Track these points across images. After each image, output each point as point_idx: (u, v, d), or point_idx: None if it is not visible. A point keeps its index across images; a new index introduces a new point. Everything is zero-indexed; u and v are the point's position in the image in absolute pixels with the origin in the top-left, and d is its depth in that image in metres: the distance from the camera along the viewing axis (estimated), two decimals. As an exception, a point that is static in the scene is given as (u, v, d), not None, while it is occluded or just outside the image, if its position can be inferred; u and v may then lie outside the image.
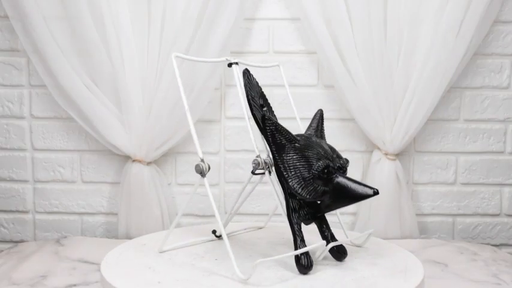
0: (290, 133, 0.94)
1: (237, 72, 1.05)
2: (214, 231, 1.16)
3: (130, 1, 1.45)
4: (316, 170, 0.92)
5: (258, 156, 0.98)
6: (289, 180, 0.92)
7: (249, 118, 1.01)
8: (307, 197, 0.93)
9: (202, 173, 0.96)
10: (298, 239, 0.94)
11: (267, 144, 0.97)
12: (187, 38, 1.44)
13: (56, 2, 1.47)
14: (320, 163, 0.92)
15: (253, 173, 0.98)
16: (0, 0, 1.51)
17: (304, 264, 0.92)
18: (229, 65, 1.06)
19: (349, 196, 0.91)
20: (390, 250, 1.10)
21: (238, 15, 1.47)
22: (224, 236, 0.91)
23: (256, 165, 0.97)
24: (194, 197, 1.58)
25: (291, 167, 0.92)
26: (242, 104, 1.01)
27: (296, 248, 0.94)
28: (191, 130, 0.98)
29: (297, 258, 0.93)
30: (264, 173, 0.98)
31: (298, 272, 0.93)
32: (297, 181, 0.92)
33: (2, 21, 1.55)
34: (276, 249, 1.09)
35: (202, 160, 0.97)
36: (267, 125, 0.93)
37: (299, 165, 0.92)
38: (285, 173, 0.92)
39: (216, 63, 1.04)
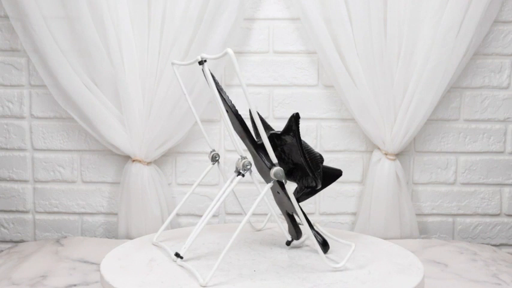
0: None
1: (208, 69, 0.99)
2: (177, 254, 0.99)
3: (130, 1, 1.45)
4: (322, 162, 1.00)
5: (245, 157, 0.96)
6: (318, 173, 0.99)
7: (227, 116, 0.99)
8: (320, 186, 1.00)
9: (285, 180, 0.93)
10: (313, 226, 1.02)
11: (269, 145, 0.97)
12: (187, 38, 1.44)
13: (56, 2, 1.47)
14: (319, 154, 1.01)
15: (242, 175, 0.97)
16: (0, 0, 1.51)
17: (328, 244, 1.03)
18: (200, 63, 0.95)
19: (328, 180, 1.03)
20: (390, 250, 1.10)
21: (238, 15, 1.47)
22: (313, 239, 0.93)
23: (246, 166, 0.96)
24: (194, 197, 1.58)
25: (314, 161, 0.99)
26: (218, 101, 0.95)
27: (316, 233, 1.01)
28: (262, 135, 0.91)
29: (323, 241, 1.02)
30: (243, 175, 0.96)
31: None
32: (319, 173, 1.00)
33: (2, 21, 1.55)
34: (265, 245, 1.09)
35: (276, 164, 0.92)
36: (299, 122, 0.97)
37: (316, 158, 1.00)
38: (312, 167, 0.98)
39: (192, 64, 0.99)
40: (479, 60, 1.55)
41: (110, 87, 1.48)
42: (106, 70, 1.47)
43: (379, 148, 1.53)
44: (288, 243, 1.09)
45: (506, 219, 1.61)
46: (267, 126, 1.07)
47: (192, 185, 1.58)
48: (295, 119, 0.97)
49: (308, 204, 1.57)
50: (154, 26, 1.45)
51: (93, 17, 1.44)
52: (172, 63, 1.06)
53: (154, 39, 1.45)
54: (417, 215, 1.57)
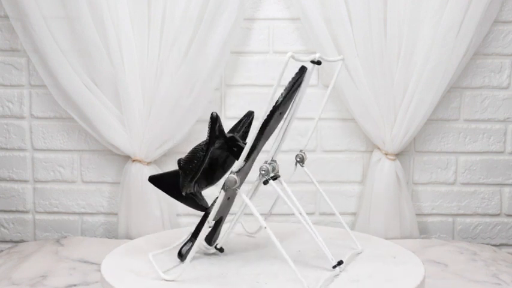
0: None
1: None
2: (340, 262, 0.95)
3: (130, 1, 1.45)
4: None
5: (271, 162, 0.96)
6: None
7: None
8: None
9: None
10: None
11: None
12: (187, 38, 1.44)
13: (56, 2, 1.47)
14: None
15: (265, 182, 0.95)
16: (0, 1, 1.51)
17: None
18: (319, 62, 0.89)
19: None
20: (390, 250, 1.10)
21: (238, 15, 1.47)
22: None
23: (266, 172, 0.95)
24: (194, 197, 1.58)
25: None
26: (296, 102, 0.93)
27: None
28: None
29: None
30: (274, 179, 0.96)
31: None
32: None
33: (2, 21, 1.55)
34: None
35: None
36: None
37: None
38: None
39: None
40: (479, 60, 1.55)
41: (110, 87, 1.48)
42: (106, 70, 1.47)
43: (379, 148, 1.53)
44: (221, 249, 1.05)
45: (506, 219, 1.61)
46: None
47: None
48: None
49: (308, 205, 1.57)
50: (154, 26, 1.45)
51: (93, 17, 1.44)
52: (293, 58, 0.86)
53: (154, 39, 1.45)
54: (417, 215, 1.57)
